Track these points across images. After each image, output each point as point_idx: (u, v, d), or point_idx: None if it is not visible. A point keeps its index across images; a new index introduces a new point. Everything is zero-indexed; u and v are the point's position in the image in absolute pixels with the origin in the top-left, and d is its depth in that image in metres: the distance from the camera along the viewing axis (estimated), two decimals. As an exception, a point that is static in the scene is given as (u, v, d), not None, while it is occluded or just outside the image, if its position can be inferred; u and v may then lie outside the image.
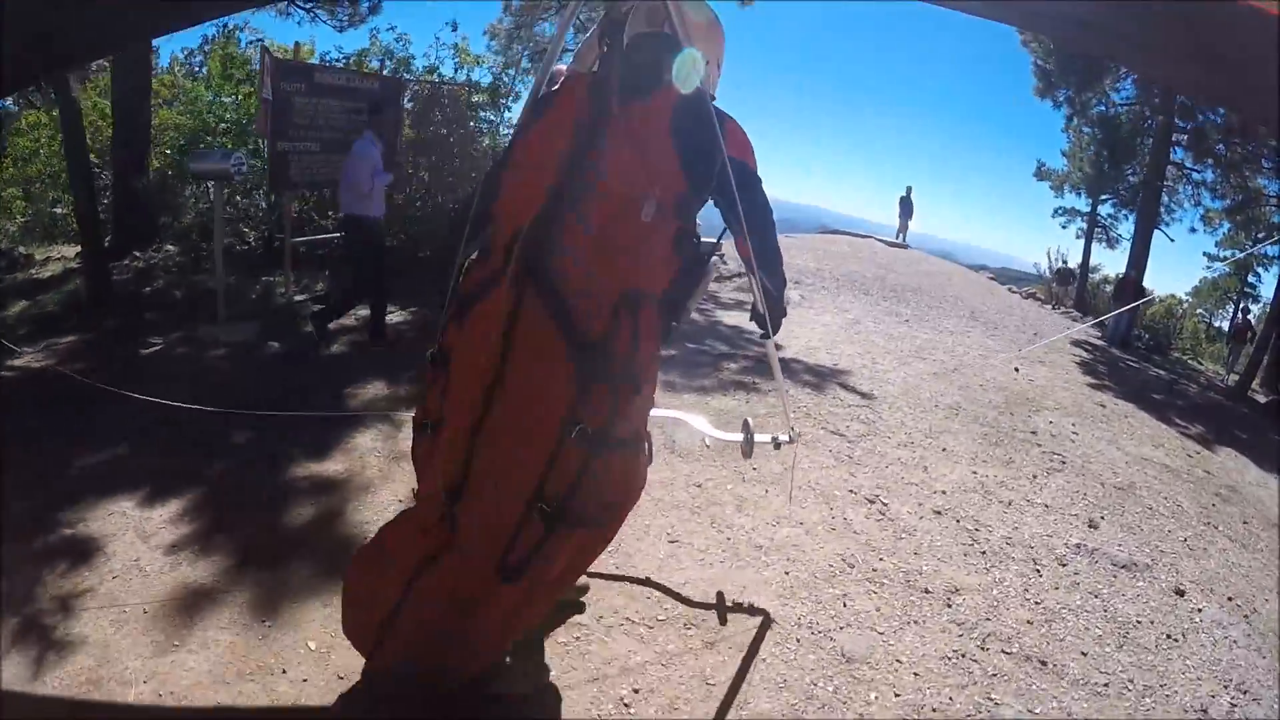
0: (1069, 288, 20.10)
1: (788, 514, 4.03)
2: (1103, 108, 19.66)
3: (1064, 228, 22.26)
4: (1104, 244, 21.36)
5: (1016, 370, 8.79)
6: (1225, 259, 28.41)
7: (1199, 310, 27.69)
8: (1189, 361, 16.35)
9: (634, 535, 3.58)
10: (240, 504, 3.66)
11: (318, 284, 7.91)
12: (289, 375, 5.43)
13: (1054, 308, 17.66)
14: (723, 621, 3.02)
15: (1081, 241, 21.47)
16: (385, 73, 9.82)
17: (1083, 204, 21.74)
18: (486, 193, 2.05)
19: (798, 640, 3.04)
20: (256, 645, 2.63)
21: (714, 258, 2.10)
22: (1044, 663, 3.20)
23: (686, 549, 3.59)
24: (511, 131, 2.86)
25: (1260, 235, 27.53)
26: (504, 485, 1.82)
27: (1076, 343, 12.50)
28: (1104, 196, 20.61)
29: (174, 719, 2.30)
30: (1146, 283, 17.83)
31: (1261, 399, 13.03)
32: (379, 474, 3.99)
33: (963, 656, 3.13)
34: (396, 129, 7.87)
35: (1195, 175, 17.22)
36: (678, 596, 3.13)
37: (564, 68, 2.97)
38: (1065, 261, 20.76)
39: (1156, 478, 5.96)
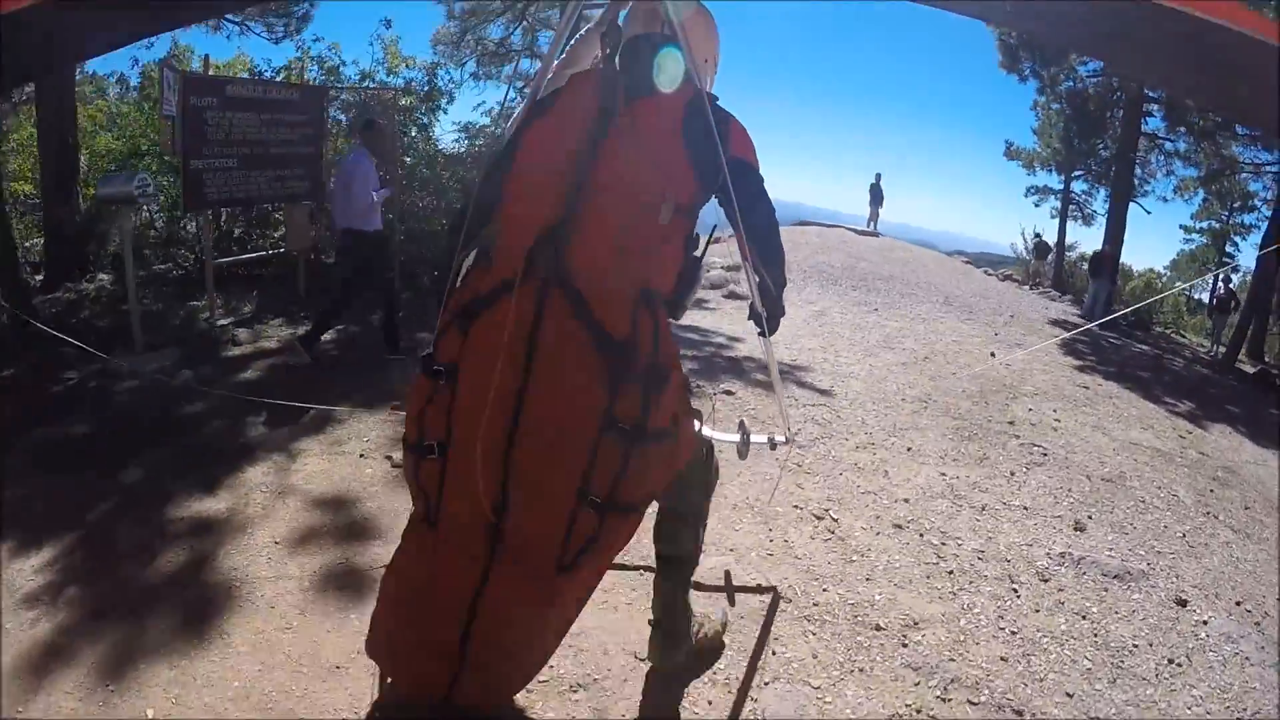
0: (1047, 263, 19.62)
1: (718, 538, 3.41)
2: (1070, 83, 19.25)
3: (1037, 206, 21.81)
4: (1079, 221, 20.90)
5: (993, 355, 8.24)
6: (1202, 230, 28.26)
7: (1182, 286, 27.34)
8: (1173, 336, 15.83)
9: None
10: (113, 548, 3.15)
11: (245, 306, 7.29)
12: (206, 401, 4.83)
13: (1031, 287, 17.17)
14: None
15: (1056, 220, 21.05)
16: (316, 82, 9.26)
17: (1055, 181, 21.30)
18: (483, 194, 2.01)
19: (709, 702, 2.43)
20: (96, 711, 2.27)
21: (704, 257, 2.04)
22: (1019, 712, 2.59)
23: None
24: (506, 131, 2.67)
25: (1235, 204, 27.36)
26: (549, 489, 1.81)
27: (1055, 322, 11.99)
28: (1076, 172, 20.09)
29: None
30: (1125, 258, 17.43)
31: (1249, 369, 12.55)
32: (260, 512, 3.45)
33: (918, 712, 2.52)
34: (392, 142, 7.67)
35: (1169, 145, 16.78)
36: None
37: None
38: (1040, 235, 20.31)
39: (1148, 464, 5.39)
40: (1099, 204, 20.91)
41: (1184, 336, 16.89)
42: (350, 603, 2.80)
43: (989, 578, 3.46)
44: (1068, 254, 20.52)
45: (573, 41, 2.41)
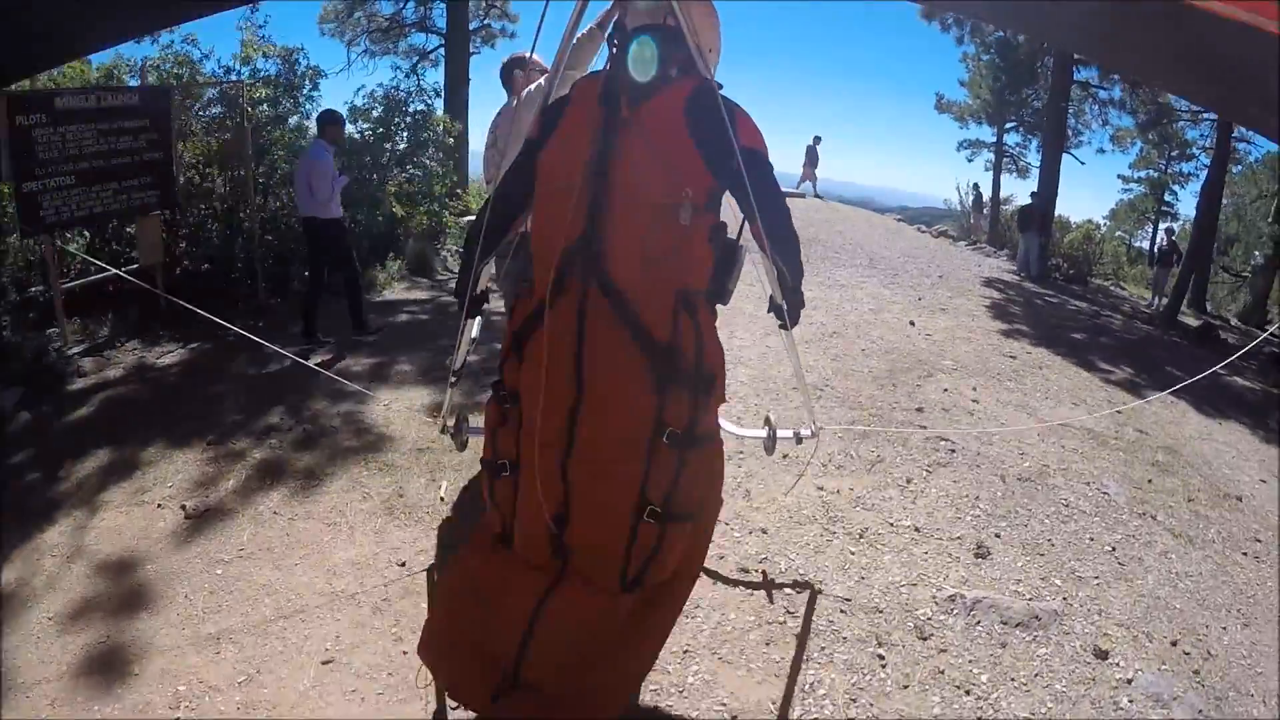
0: (984, 217, 18.99)
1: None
2: (1001, 33, 18.51)
3: (970, 161, 21.12)
4: (1014, 174, 20.27)
5: (912, 324, 7.44)
6: (1140, 180, 27.97)
7: (1118, 233, 27.09)
8: (1112, 289, 15.22)
9: None
10: None
11: (102, 329, 6.18)
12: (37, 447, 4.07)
13: (968, 244, 16.51)
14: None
15: (991, 174, 20.38)
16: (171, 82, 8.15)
17: (988, 134, 20.63)
18: (499, 205, 2.01)
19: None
20: None
21: (742, 241, 1.92)
22: None
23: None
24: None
25: (1173, 153, 27.07)
26: (608, 501, 1.81)
27: (989, 281, 11.26)
28: (1009, 124, 19.42)
29: None
30: (1063, 210, 16.83)
31: (1193, 322, 12.00)
32: (46, 582, 2.93)
33: None
34: (238, 144, 7.46)
35: (1102, 94, 16.10)
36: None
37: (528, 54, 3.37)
38: (979, 188, 19.67)
39: (1076, 452, 4.61)
40: (1033, 156, 20.33)
41: (1124, 289, 16.33)
42: (100, 693, 2.36)
43: (849, 640, 2.61)
44: (1003, 207, 19.85)
45: (574, 40, 2.30)
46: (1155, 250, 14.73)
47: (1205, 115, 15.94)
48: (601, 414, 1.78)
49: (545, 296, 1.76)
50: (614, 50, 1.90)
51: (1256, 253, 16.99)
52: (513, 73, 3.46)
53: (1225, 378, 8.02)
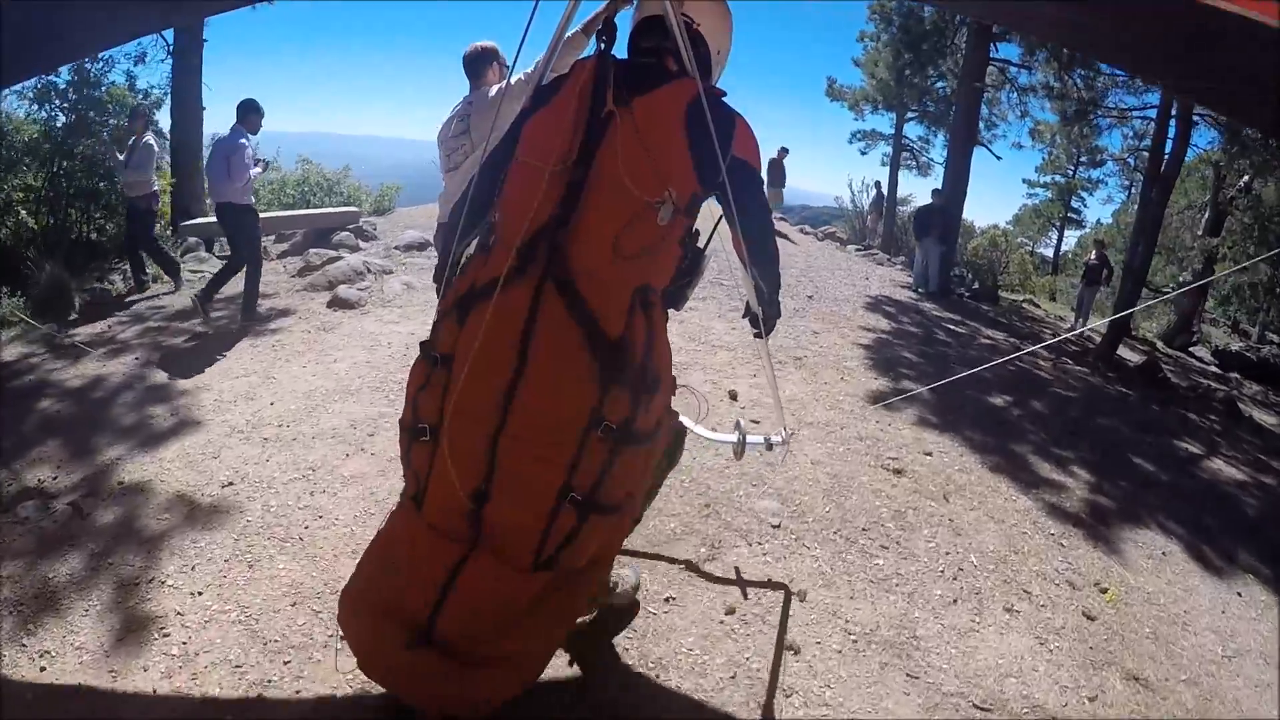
0: (881, 220, 16.34)
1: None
2: (899, 2, 15.93)
3: (863, 154, 18.52)
4: (915, 170, 17.75)
5: (733, 398, 4.31)
6: (1046, 184, 26.17)
7: (1020, 239, 25.30)
8: (1024, 307, 12.54)
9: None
10: None
11: None
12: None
13: (859, 249, 13.76)
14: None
15: (888, 170, 17.79)
16: None
17: (886, 124, 18.11)
18: (481, 185, 1.95)
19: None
20: None
21: (709, 248, 1.97)
22: None
23: None
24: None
25: (1083, 159, 25.36)
26: (533, 484, 1.78)
27: (876, 302, 8.34)
28: (910, 113, 16.81)
29: None
30: (968, 214, 14.23)
31: (1130, 356, 9.39)
32: None
33: None
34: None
35: (1023, 78, 13.37)
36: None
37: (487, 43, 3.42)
38: (879, 185, 17.03)
39: None
40: (938, 151, 17.87)
41: (1037, 305, 13.76)
42: None
43: None
44: (901, 209, 17.28)
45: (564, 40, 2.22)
46: (1085, 265, 12.12)
47: (1135, 113, 13.54)
48: (539, 398, 1.73)
49: (500, 276, 1.72)
50: (601, 46, 1.81)
51: (1185, 269, 14.84)
52: (490, 65, 3.37)
53: (1200, 460, 5.23)
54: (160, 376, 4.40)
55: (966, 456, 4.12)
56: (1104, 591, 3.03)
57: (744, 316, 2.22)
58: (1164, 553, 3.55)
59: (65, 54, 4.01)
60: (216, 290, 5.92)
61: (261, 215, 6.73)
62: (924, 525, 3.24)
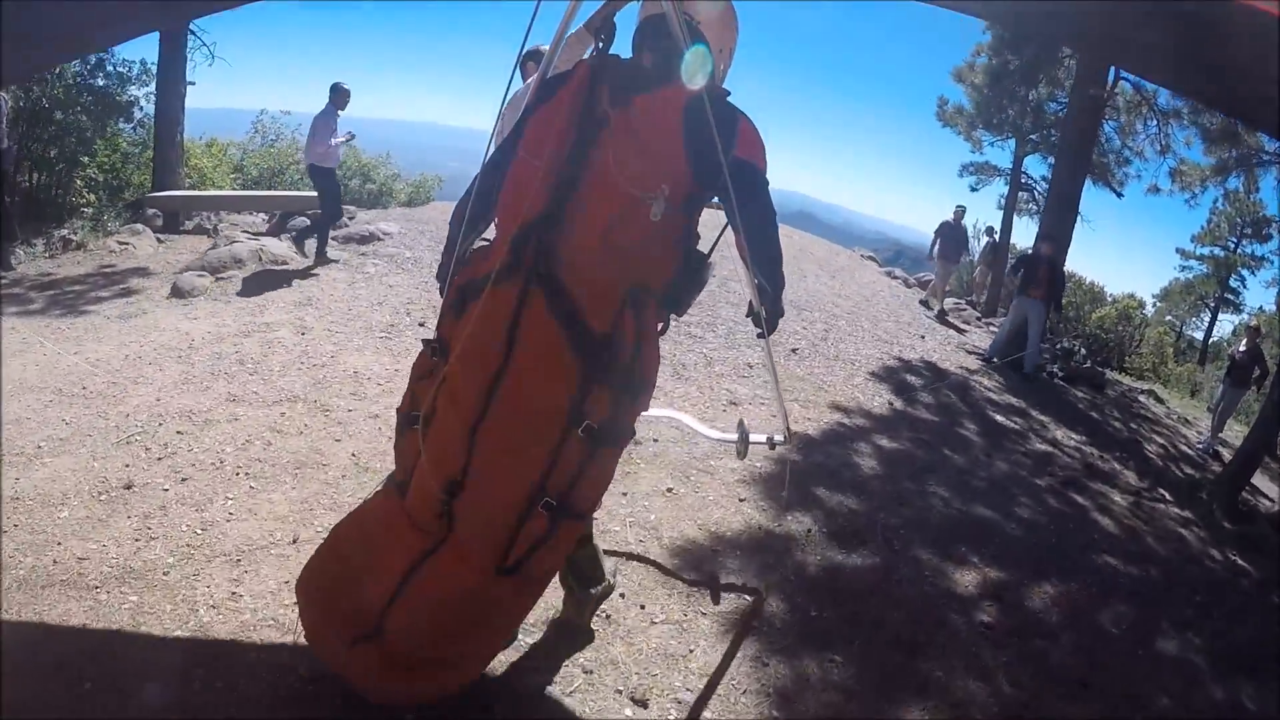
0: (988, 276, 13.73)
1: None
2: None
3: (974, 190, 16.01)
4: (1035, 214, 15.01)
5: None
6: (1203, 257, 22.41)
7: (1168, 317, 21.81)
8: (1140, 396, 9.77)
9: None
10: None
11: None
12: None
13: (975, 304, 11.54)
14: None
15: (1003, 213, 15.23)
16: None
17: (1005, 158, 15.53)
18: (485, 181, 1.97)
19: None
20: None
21: (712, 255, 1.99)
22: None
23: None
24: None
25: (1247, 229, 21.56)
26: (506, 481, 1.80)
27: (891, 371, 6.44)
28: (1032, 139, 14.12)
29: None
30: (1098, 277, 11.68)
31: (1270, 502, 6.83)
32: None
33: None
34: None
35: (1162, 100, 10.51)
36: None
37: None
38: (993, 232, 14.51)
39: None
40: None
41: (1160, 398, 10.76)
42: None
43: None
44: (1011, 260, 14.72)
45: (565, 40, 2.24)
46: (1231, 358, 9.44)
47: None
48: (519, 392, 1.76)
49: (491, 271, 1.76)
50: (599, 46, 1.88)
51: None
52: (526, 64, 3.63)
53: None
54: None
55: None
56: None
57: (747, 315, 2.23)
58: None
59: (67, 51, 4.20)
60: (309, 236, 7.08)
61: (211, 196, 8.91)
62: None
